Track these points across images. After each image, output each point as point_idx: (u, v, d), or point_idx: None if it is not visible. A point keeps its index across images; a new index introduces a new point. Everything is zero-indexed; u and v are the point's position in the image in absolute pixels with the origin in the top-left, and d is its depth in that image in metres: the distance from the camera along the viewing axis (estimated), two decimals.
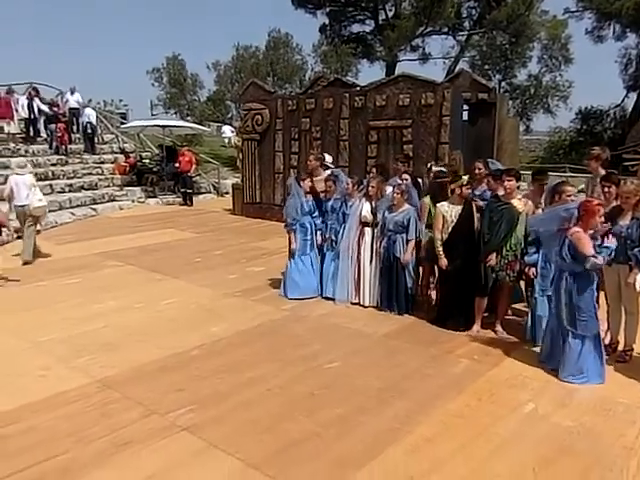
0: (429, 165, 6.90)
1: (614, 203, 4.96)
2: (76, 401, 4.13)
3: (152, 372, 4.64)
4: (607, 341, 5.12)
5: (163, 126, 17.56)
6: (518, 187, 5.34)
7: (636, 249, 4.59)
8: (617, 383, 4.48)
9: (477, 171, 6.14)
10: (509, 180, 5.20)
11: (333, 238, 6.60)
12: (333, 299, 6.55)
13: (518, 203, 5.26)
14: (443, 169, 6.63)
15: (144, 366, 4.74)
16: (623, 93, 29.56)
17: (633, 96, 28.47)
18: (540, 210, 5.35)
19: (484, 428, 3.81)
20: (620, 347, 5.01)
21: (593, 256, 4.25)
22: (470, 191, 5.59)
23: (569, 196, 5.01)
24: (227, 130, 26.12)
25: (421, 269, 6.50)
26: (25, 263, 8.30)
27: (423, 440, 3.66)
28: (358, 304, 6.40)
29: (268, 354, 5.07)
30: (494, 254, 5.24)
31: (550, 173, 6.19)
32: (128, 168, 16.22)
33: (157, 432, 3.71)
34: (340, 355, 5.06)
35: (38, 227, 8.79)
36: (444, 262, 5.55)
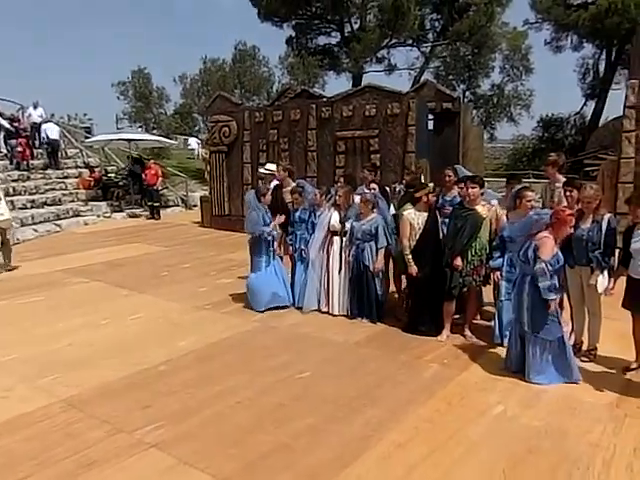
0: (394, 187, 6.97)
1: (576, 207, 5.09)
2: (39, 422, 3.99)
3: (118, 390, 4.53)
4: (572, 342, 5.23)
5: (129, 139, 17.35)
6: (482, 194, 5.43)
7: (597, 251, 4.72)
8: (582, 382, 4.56)
9: (447, 178, 6.24)
10: (472, 187, 5.30)
11: (303, 248, 6.60)
12: (301, 308, 6.55)
13: (482, 209, 5.36)
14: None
15: (110, 384, 4.63)
16: (582, 101, 30.61)
17: (591, 104, 29.47)
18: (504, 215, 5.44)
19: (454, 432, 3.83)
20: (584, 347, 5.12)
21: (544, 262, 4.34)
22: (435, 198, 5.67)
23: (529, 201, 5.13)
24: (193, 142, 26.00)
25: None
26: None
27: (395, 446, 3.66)
28: (328, 313, 6.40)
29: (237, 366, 5.01)
30: (459, 257, 5.31)
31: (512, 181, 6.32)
32: (93, 182, 15.95)
33: (124, 450, 3.62)
34: (310, 365, 5.03)
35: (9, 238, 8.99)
36: (414, 269, 5.58)
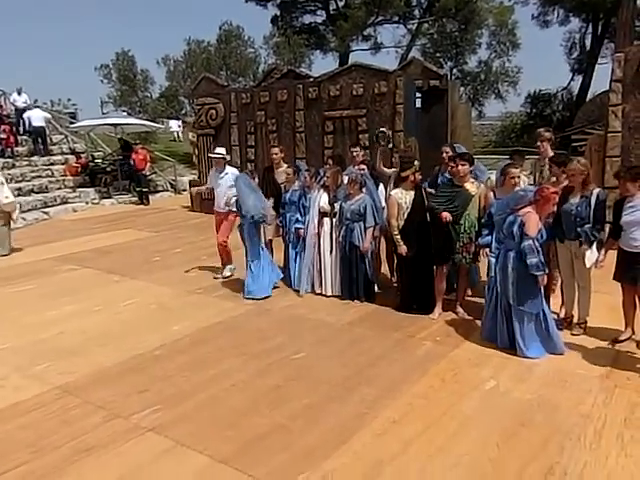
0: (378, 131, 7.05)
1: (565, 183, 5.10)
2: (34, 410, 3.99)
3: (113, 375, 4.53)
4: (562, 315, 5.30)
5: (115, 124, 17.11)
6: (471, 171, 5.42)
7: (586, 226, 4.75)
8: (573, 355, 4.65)
9: (445, 155, 6.18)
10: (462, 164, 5.29)
11: (296, 226, 6.58)
12: (297, 290, 6.56)
13: (471, 186, 5.36)
14: (383, 129, 7.09)
15: (105, 370, 4.63)
16: (569, 76, 30.54)
17: (579, 79, 29.41)
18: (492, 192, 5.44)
19: (448, 407, 3.89)
20: (575, 320, 5.18)
21: (532, 239, 4.38)
22: (421, 177, 5.66)
23: (512, 178, 5.13)
24: (174, 125, 25.66)
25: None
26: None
27: (390, 423, 3.71)
28: (321, 294, 6.42)
29: (232, 349, 5.03)
30: (447, 213, 5.27)
31: (500, 157, 6.33)
32: (80, 169, 15.73)
33: (121, 435, 3.64)
34: (305, 346, 5.06)
35: (12, 224, 9.40)
36: (404, 249, 5.59)
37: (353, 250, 6.11)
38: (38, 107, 17.20)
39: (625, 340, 4.81)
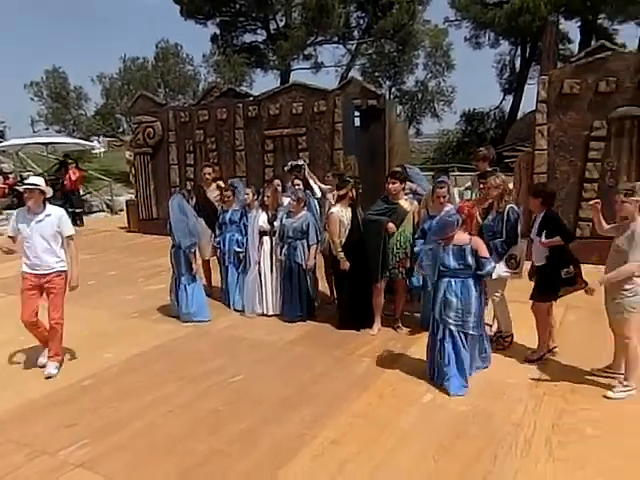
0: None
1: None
2: None
3: (39, 409, 4.28)
4: (494, 329, 5.43)
5: (46, 143, 16.48)
6: (403, 188, 5.55)
7: (497, 240, 4.93)
8: (504, 365, 4.79)
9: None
10: (392, 183, 5.42)
11: (237, 249, 6.53)
12: (240, 311, 6.50)
13: (405, 203, 5.50)
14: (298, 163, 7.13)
15: (30, 404, 4.37)
16: (501, 96, 32.09)
17: (510, 98, 30.94)
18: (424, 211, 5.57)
19: (386, 423, 3.91)
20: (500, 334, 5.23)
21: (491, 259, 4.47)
22: (356, 193, 5.74)
23: (438, 197, 5.28)
24: (96, 143, 24.73)
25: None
26: None
27: (328, 443, 3.69)
28: (262, 314, 6.36)
29: (169, 374, 4.87)
30: (391, 223, 5.35)
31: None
32: (7, 190, 14.99)
33: (47, 474, 3.43)
34: (245, 367, 4.98)
35: None
36: (347, 265, 5.62)
37: (296, 268, 6.09)
38: None
39: (534, 360, 4.84)
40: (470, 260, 4.35)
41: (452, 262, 4.35)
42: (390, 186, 5.43)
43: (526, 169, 9.20)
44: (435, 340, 4.50)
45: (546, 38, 14.63)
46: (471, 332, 4.40)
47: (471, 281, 4.39)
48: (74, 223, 14.12)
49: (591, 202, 4.56)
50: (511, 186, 9.28)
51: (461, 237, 4.40)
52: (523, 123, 21.64)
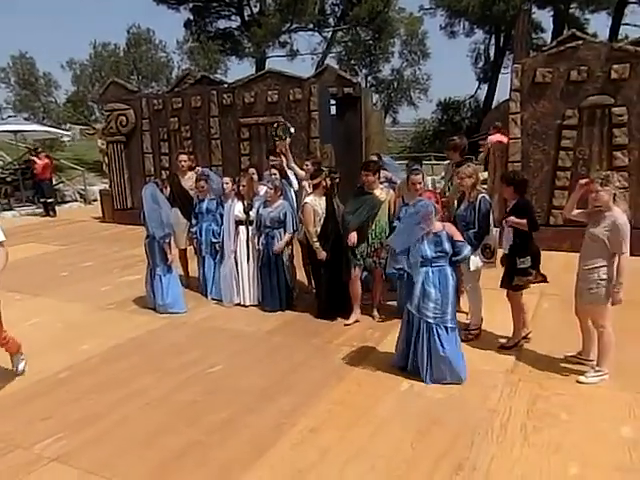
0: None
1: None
2: None
3: (13, 403, 4.21)
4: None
5: (15, 131, 16.03)
6: (378, 178, 5.56)
7: (471, 231, 4.96)
8: (480, 352, 4.86)
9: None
10: (366, 176, 5.44)
11: (213, 240, 6.48)
12: (218, 301, 6.48)
13: (380, 193, 5.52)
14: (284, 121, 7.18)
15: (4, 398, 4.29)
16: (476, 85, 32.31)
17: (485, 87, 31.19)
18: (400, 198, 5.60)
19: (365, 411, 3.95)
20: (469, 326, 5.25)
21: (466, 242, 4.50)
22: (330, 182, 5.74)
23: (414, 184, 5.32)
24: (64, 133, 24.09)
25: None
26: None
27: (308, 431, 3.71)
28: (240, 304, 6.34)
29: (146, 366, 4.83)
30: (354, 233, 5.41)
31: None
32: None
33: (22, 468, 3.38)
34: (222, 358, 4.96)
35: None
36: (323, 255, 5.63)
37: (274, 258, 6.07)
38: None
39: (508, 347, 4.90)
40: (447, 246, 4.34)
41: (428, 251, 4.32)
42: (364, 179, 5.46)
43: (501, 158, 9.32)
44: (410, 333, 4.43)
45: (519, 27, 14.77)
46: (449, 324, 4.31)
47: (448, 269, 4.38)
48: (46, 213, 13.97)
49: (582, 181, 4.32)
50: (485, 175, 9.45)
51: (435, 225, 4.40)
52: (498, 112, 21.77)
